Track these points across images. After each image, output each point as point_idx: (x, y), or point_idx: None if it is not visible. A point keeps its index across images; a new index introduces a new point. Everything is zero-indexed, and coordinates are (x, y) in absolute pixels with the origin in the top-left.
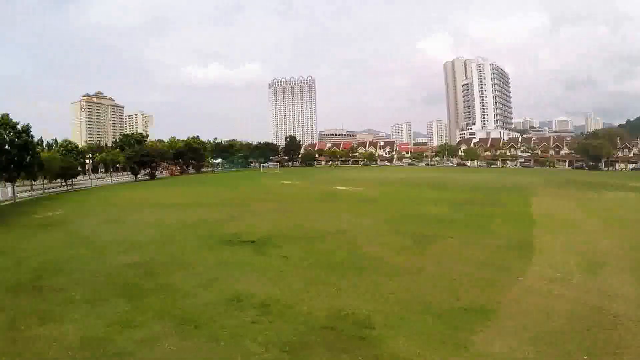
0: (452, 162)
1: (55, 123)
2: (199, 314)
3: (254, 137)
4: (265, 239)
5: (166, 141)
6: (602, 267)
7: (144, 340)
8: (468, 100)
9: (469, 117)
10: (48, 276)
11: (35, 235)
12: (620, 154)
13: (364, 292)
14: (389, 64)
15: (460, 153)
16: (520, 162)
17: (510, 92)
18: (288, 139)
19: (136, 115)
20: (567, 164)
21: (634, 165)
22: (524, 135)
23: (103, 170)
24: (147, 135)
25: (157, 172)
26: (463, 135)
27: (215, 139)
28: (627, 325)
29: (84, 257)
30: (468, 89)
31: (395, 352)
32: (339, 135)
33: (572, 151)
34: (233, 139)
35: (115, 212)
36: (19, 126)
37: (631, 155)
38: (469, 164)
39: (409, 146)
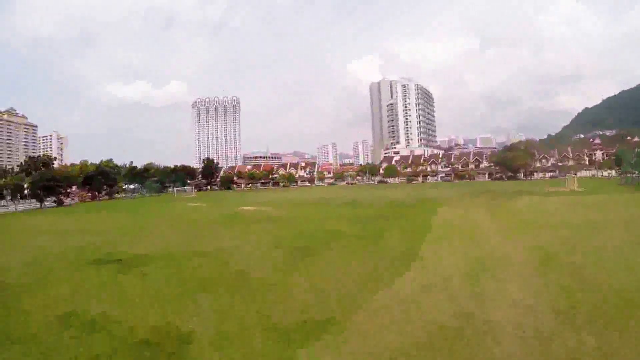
0: (373, 181)
1: None
2: (24, 330)
3: (177, 160)
4: (134, 258)
5: (77, 165)
6: (486, 272)
7: None
8: (392, 120)
9: (394, 137)
10: None
11: None
12: (538, 164)
13: (204, 308)
14: (319, 86)
15: (381, 171)
16: (441, 177)
17: (434, 111)
18: (205, 162)
19: (50, 135)
20: (486, 176)
21: (551, 173)
22: (448, 152)
23: (9, 197)
24: (56, 158)
25: (67, 198)
26: (388, 154)
27: (132, 162)
28: (495, 332)
29: None
30: (393, 109)
31: None
32: (264, 157)
33: (491, 164)
34: (150, 163)
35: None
36: None
37: (549, 165)
38: (389, 181)
39: (332, 166)
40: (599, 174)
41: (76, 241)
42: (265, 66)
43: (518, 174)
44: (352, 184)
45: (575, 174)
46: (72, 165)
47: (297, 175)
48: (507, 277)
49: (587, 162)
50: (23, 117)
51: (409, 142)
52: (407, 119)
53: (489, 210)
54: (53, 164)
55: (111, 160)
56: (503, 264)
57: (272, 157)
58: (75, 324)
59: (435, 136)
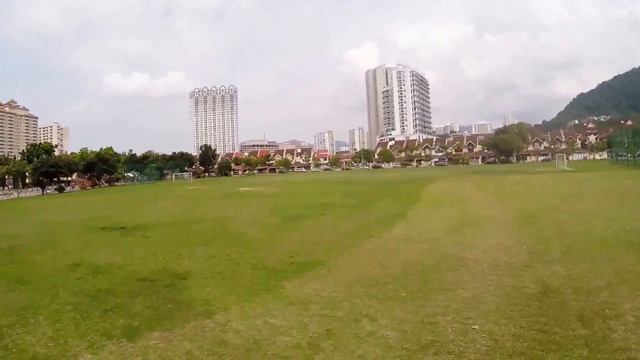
0: (368, 166)
1: None
2: (34, 275)
3: (175, 149)
4: (137, 226)
5: (77, 153)
6: (469, 227)
7: None
8: (388, 107)
9: (389, 123)
10: None
11: None
12: (531, 148)
13: (203, 256)
14: (318, 73)
15: (376, 156)
16: (435, 162)
17: (429, 98)
18: (203, 148)
19: (51, 127)
20: (480, 160)
21: (544, 157)
22: (442, 138)
23: (11, 185)
24: (57, 146)
25: (68, 186)
26: (383, 140)
27: (131, 150)
28: (469, 266)
29: None
30: (388, 96)
31: (195, 295)
32: (261, 146)
33: (484, 148)
34: (149, 151)
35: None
36: None
37: (542, 148)
38: (384, 166)
39: (327, 152)
40: (591, 157)
41: (82, 215)
42: (264, 54)
43: (511, 157)
44: (347, 169)
45: (567, 157)
46: (73, 154)
47: (293, 162)
48: (489, 230)
49: (579, 146)
50: (24, 109)
51: (404, 129)
52: (402, 105)
53: (478, 185)
54: (54, 151)
55: (111, 148)
56: (487, 221)
57: (269, 146)
58: (81, 270)
59: (430, 123)
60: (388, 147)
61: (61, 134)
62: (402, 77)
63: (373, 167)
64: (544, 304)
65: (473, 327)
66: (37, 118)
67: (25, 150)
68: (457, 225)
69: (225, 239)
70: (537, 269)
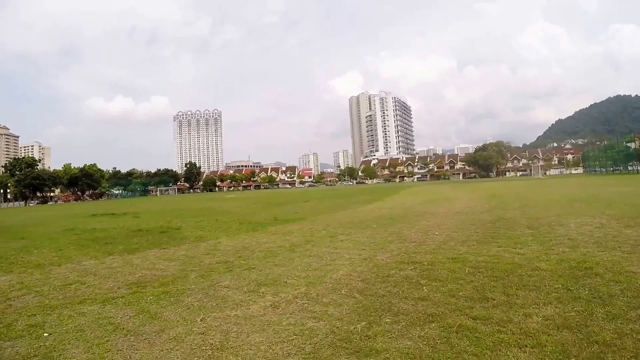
0: (352, 182)
1: None
2: (34, 235)
3: (160, 167)
4: (127, 213)
5: (61, 169)
6: (436, 202)
7: None
8: (371, 130)
9: (373, 145)
10: None
11: None
12: (510, 165)
13: (193, 221)
14: (302, 101)
15: (360, 173)
16: (417, 178)
17: (412, 123)
18: (187, 165)
19: (32, 146)
20: (461, 176)
21: (523, 172)
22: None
23: None
24: (40, 160)
25: (50, 201)
26: (367, 159)
27: (115, 168)
28: (434, 213)
29: None
30: (371, 120)
31: (188, 235)
32: (245, 166)
33: (465, 164)
34: (133, 168)
35: None
36: None
37: (520, 165)
38: (367, 182)
39: (312, 171)
40: (567, 171)
41: (71, 211)
42: (249, 81)
43: (490, 173)
44: (331, 185)
45: (545, 172)
46: (56, 170)
47: (278, 179)
48: (455, 203)
49: (556, 162)
50: (4, 127)
51: (387, 150)
52: (385, 128)
53: (451, 186)
54: (37, 165)
55: (95, 164)
56: (453, 199)
57: (254, 166)
58: (76, 231)
59: (413, 145)
60: (372, 164)
61: (42, 153)
62: (385, 102)
63: (357, 183)
64: (497, 224)
65: (434, 233)
66: (17, 137)
67: (7, 164)
68: (426, 201)
69: (212, 214)
70: (494, 212)
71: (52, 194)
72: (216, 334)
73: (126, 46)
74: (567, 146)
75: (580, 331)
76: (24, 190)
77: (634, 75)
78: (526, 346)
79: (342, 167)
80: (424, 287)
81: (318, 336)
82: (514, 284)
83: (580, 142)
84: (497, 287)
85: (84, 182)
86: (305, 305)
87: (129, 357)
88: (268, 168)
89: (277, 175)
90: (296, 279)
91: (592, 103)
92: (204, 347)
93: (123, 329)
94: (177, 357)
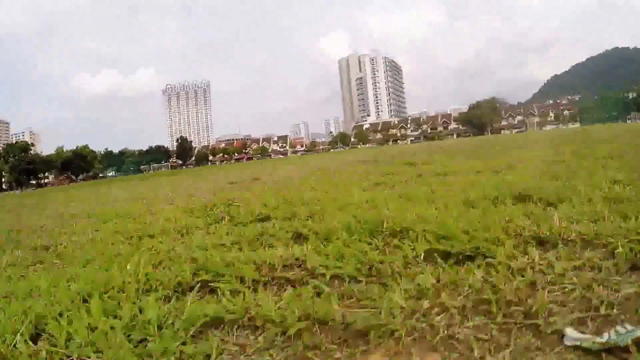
0: (345, 148)
1: None
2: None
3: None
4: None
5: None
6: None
7: None
8: (362, 94)
9: (364, 110)
10: None
11: None
12: (505, 122)
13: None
14: (290, 65)
15: (352, 139)
16: (411, 140)
17: (403, 83)
18: (179, 141)
19: (23, 132)
20: (455, 136)
21: (518, 129)
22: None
23: None
24: (33, 144)
25: (45, 186)
26: (359, 124)
27: (107, 148)
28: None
29: None
30: (362, 83)
31: None
32: (236, 140)
33: (459, 124)
34: (125, 148)
35: None
36: None
37: (516, 122)
38: (360, 147)
39: (304, 140)
40: (564, 127)
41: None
42: (235, 46)
43: (485, 132)
44: (324, 151)
45: (541, 128)
46: (49, 155)
47: (270, 149)
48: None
49: (552, 118)
50: None
51: (379, 115)
52: (376, 91)
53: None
54: (31, 149)
55: (87, 145)
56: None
57: (245, 138)
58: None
59: (405, 108)
60: (364, 129)
61: (33, 139)
62: (375, 63)
63: (350, 148)
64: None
65: None
66: (8, 124)
67: (1, 150)
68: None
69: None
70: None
71: (46, 180)
72: None
73: (106, 18)
74: (564, 102)
75: None
76: (19, 177)
77: (631, 23)
78: None
79: (335, 134)
80: None
81: None
82: None
83: (577, 99)
84: None
85: (77, 164)
86: None
87: None
88: (259, 139)
89: (270, 146)
90: None
91: (589, 57)
92: None
93: None
94: None
